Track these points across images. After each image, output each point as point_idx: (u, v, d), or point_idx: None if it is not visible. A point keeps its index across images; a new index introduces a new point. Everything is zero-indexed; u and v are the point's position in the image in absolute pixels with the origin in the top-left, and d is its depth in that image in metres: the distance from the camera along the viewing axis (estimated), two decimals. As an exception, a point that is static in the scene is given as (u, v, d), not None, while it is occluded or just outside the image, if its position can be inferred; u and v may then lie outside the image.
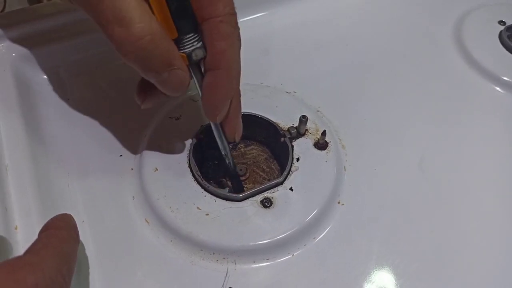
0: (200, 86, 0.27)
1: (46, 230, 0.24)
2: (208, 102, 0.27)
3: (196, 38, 0.25)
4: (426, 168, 0.34)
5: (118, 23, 0.22)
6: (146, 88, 0.29)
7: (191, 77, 0.27)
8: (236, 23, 0.26)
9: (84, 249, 0.28)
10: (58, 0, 0.24)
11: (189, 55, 0.25)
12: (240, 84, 0.34)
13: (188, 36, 0.25)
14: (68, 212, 0.26)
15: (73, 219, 0.26)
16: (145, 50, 0.23)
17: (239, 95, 0.29)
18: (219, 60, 0.26)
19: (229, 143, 0.30)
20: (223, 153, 0.30)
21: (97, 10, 0.23)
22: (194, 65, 0.26)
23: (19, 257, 0.21)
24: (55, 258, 0.22)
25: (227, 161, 0.31)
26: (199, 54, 0.25)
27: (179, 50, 0.25)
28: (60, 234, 0.24)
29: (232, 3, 0.25)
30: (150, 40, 0.23)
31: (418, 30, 0.45)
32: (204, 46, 0.25)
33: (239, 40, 0.27)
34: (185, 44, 0.25)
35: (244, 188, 0.33)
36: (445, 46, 0.44)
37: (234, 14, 0.25)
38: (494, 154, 0.36)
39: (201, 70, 0.27)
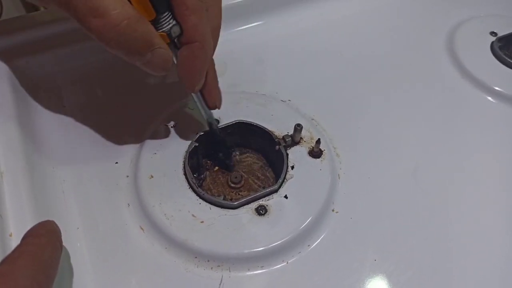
0: (177, 61, 0.28)
1: (26, 237, 0.24)
2: (186, 74, 0.28)
3: (171, 16, 0.26)
4: (420, 176, 0.34)
5: (93, 15, 0.23)
6: None
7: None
8: None
9: (77, 255, 0.28)
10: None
11: (168, 33, 0.26)
12: (236, 92, 0.35)
13: (164, 15, 0.26)
14: (62, 219, 0.26)
15: (56, 225, 0.25)
16: (124, 34, 0.24)
17: (214, 66, 0.31)
18: (193, 34, 0.27)
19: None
20: (208, 121, 0.32)
21: (71, 6, 0.23)
22: (171, 43, 0.27)
23: None
24: (30, 267, 0.21)
25: (213, 127, 0.32)
26: (176, 31, 0.26)
27: (158, 30, 0.26)
28: (39, 241, 0.23)
29: None
30: (127, 24, 0.24)
31: (411, 40, 0.46)
32: (179, 23, 0.26)
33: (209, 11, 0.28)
34: (163, 23, 0.26)
35: (239, 195, 0.33)
36: (438, 56, 0.44)
37: None
38: (487, 163, 0.36)
39: (177, 47, 0.28)
